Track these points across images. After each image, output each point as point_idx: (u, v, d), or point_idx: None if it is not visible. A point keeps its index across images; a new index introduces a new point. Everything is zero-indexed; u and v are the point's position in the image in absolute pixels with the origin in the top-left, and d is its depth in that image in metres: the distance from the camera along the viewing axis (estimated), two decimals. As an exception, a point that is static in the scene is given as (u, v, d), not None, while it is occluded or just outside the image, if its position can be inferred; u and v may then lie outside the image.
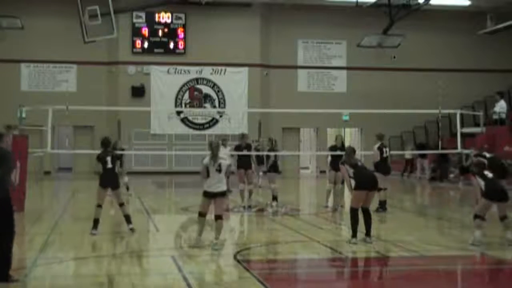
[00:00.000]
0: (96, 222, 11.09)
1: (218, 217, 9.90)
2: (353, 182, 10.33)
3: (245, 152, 15.43)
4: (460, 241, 10.76)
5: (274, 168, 15.44)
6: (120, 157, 11.39)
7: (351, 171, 10.36)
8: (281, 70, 30.47)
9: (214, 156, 9.81)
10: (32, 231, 11.52)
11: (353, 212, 10.29)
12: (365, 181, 10.26)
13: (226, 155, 13.88)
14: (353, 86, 30.79)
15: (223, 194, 10.00)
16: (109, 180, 11.16)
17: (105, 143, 11.39)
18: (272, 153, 15.47)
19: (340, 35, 30.87)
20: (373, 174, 10.59)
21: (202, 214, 10.02)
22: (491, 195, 10.07)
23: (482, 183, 10.17)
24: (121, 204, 11.38)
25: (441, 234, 11.65)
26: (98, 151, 11.76)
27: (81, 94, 27.69)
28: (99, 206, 11.17)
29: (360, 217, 10.34)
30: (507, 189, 10.30)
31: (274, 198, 15.14)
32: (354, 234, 10.23)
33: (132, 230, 11.21)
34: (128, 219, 11.31)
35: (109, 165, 11.16)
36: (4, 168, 7.46)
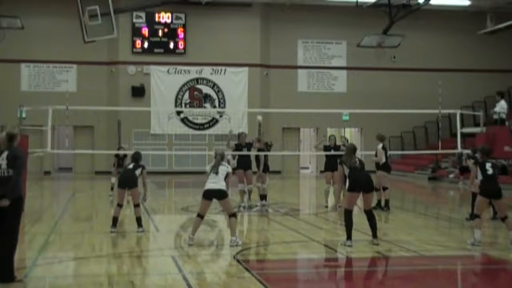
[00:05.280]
0: (115, 220, 11.32)
1: (231, 216, 10.22)
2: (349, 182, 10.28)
3: (245, 152, 15.38)
4: (460, 241, 10.77)
5: (265, 167, 15.44)
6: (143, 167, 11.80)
7: (347, 170, 10.19)
8: (281, 70, 30.47)
9: (217, 164, 10.19)
10: (32, 231, 11.52)
11: (347, 213, 10.09)
12: (359, 183, 10.05)
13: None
14: (353, 86, 30.80)
15: (223, 195, 10.11)
16: (126, 180, 11.40)
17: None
18: (266, 153, 15.49)
19: (340, 35, 30.88)
20: (368, 176, 10.25)
21: (200, 216, 10.25)
22: (485, 192, 10.10)
23: (480, 177, 10.15)
24: (136, 205, 11.48)
25: (441, 234, 11.64)
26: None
27: (81, 94, 27.71)
28: (119, 205, 11.43)
29: (364, 219, 10.30)
30: (501, 187, 10.28)
31: (263, 197, 15.16)
32: (348, 237, 10.03)
33: (141, 232, 11.34)
34: (139, 221, 11.44)
35: (130, 167, 11.56)
36: (18, 168, 7.47)
